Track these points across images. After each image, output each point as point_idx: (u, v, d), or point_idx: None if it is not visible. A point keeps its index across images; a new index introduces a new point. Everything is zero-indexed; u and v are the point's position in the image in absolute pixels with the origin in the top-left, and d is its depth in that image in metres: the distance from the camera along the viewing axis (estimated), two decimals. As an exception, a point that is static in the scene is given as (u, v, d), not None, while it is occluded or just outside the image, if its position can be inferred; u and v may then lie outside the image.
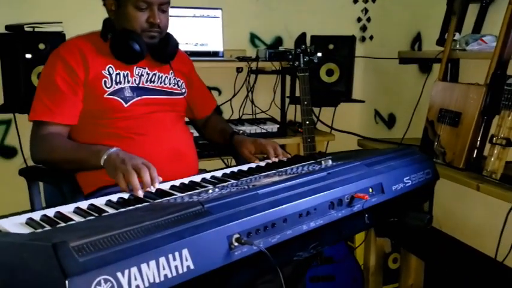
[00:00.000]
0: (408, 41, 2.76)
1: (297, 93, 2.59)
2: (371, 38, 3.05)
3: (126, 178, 1.24)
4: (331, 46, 2.57)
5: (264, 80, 2.72)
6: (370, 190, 1.25)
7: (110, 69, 1.54)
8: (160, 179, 1.30)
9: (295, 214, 1.04)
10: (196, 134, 1.95)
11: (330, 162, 1.34)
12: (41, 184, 1.55)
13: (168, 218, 0.87)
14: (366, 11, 3.03)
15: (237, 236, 0.92)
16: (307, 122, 2.24)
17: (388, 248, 2.51)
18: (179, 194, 1.18)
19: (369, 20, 3.05)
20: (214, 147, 1.93)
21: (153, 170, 1.28)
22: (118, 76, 1.55)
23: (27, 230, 0.98)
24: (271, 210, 0.99)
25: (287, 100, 2.67)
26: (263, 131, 2.37)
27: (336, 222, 1.14)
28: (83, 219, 1.00)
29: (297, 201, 1.05)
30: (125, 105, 1.53)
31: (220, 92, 2.84)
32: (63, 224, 0.94)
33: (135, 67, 1.59)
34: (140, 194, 1.21)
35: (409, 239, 2.12)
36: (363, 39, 3.05)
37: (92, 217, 1.00)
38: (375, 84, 3.02)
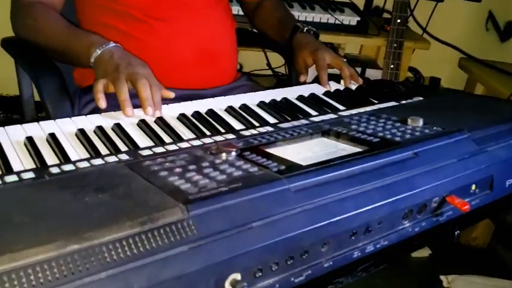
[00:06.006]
0: None
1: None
2: None
3: (114, 88, 0.85)
4: None
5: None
6: (473, 187, 0.80)
7: None
8: (172, 95, 0.91)
9: (346, 234, 0.63)
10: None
11: (421, 122, 0.86)
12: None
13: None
14: None
15: (234, 278, 0.53)
16: (399, 21, 1.72)
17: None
18: (186, 141, 0.76)
19: None
20: (263, 42, 1.46)
21: (157, 89, 0.87)
22: None
23: None
24: (300, 231, 0.58)
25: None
26: (337, 22, 1.83)
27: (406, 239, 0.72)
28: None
29: (351, 213, 0.63)
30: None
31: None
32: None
33: None
34: (130, 112, 0.83)
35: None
36: None
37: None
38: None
